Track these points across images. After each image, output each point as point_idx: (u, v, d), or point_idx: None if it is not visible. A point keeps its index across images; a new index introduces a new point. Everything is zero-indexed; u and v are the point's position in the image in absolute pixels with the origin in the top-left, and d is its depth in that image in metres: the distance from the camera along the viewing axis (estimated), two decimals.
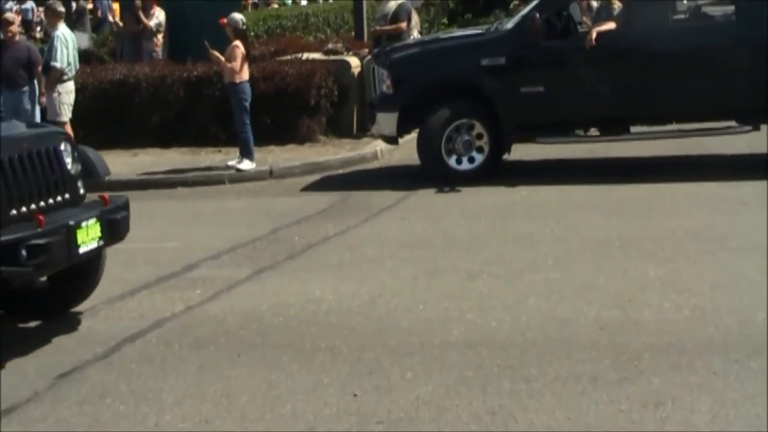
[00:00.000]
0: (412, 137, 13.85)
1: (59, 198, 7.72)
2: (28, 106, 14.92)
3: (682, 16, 14.46)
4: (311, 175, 14.29)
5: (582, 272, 8.82)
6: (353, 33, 20.41)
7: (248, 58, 14.58)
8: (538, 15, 12.89)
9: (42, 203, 7.53)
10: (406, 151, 14.31)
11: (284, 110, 15.81)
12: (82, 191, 8.03)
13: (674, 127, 13.18)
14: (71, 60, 14.83)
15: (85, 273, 8.22)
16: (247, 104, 14.44)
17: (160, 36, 17.17)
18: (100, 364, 7.30)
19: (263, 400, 6.47)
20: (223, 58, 14.35)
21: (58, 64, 14.60)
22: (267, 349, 7.38)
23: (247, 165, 14.39)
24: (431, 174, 13.13)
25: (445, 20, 28.13)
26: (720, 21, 13.44)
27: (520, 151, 13.74)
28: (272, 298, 8.56)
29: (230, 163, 14.47)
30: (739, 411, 5.91)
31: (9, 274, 6.96)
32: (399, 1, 17.32)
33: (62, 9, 15.57)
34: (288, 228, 11.19)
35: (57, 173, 7.73)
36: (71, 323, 8.28)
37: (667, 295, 8.04)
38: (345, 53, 17.69)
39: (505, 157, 13.56)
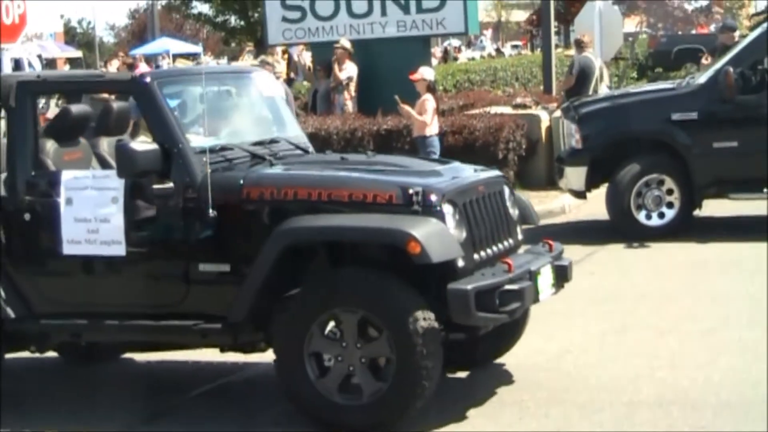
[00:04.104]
0: (600, 191, 13.73)
1: (506, 243, 7.48)
2: None
3: None
4: None
5: None
6: (542, 87, 20.42)
7: (438, 111, 14.73)
8: (732, 69, 12.70)
9: (495, 248, 7.30)
10: (595, 205, 14.17)
11: (472, 163, 15.81)
12: (520, 237, 7.81)
13: None
14: None
15: (517, 322, 7.63)
16: (436, 157, 14.54)
17: (351, 89, 17.46)
18: None
19: None
20: (414, 112, 14.54)
21: None
22: None
23: None
24: (620, 229, 12.99)
25: (634, 74, 27.94)
26: None
27: (712, 207, 13.47)
28: None
29: None
30: None
31: (483, 320, 6.82)
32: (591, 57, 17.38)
33: (272, 61, 16.21)
34: None
35: (503, 217, 7.54)
36: None
37: None
38: (534, 107, 17.69)
39: (696, 212, 13.33)
